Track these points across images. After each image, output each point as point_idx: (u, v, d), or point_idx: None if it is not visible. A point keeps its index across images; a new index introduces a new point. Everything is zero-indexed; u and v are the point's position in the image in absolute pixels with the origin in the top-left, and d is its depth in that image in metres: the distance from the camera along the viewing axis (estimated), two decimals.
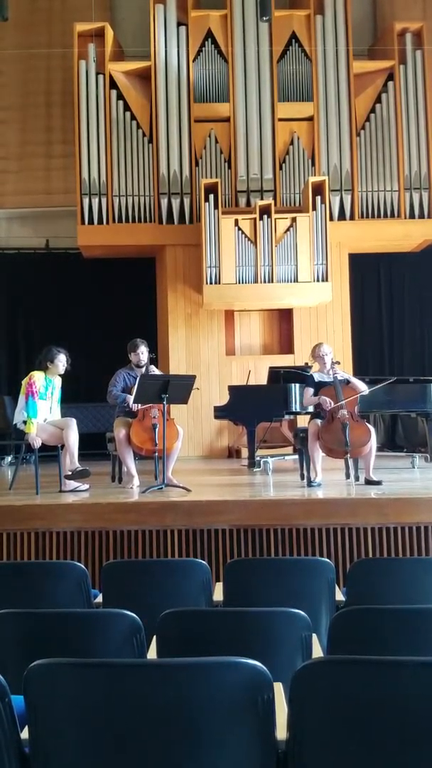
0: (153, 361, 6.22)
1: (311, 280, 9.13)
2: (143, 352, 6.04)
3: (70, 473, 5.66)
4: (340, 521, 4.76)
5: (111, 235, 9.52)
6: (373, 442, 5.63)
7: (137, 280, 10.26)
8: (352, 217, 9.67)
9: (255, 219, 9.16)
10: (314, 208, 9.16)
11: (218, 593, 3.17)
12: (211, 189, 9.20)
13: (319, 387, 5.88)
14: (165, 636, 2.43)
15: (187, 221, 9.56)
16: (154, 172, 9.63)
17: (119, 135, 9.70)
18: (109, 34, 9.78)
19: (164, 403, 5.60)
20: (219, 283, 9.10)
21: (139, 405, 5.81)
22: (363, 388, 5.88)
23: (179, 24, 9.76)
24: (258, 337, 9.95)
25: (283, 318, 9.91)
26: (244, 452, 8.22)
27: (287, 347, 9.81)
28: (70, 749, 1.76)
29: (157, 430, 5.64)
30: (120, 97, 9.77)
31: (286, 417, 7.87)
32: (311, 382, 5.97)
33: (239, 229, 9.16)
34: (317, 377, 5.97)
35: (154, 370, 6.14)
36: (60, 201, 10.13)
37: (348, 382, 5.88)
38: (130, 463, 5.89)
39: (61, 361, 5.81)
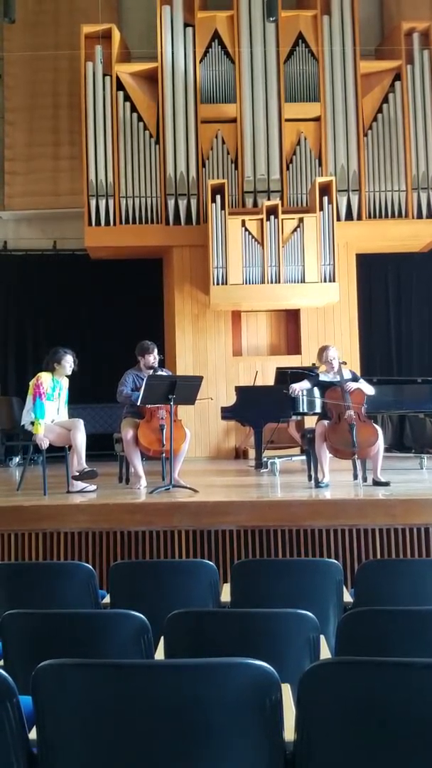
0: (161, 362, 6.22)
1: (318, 280, 9.12)
2: (154, 356, 6.04)
3: (77, 474, 5.67)
4: (347, 522, 4.75)
5: (118, 236, 9.54)
6: (381, 443, 5.62)
7: (144, 281, 10.27)
8: (359, 218, 9.65)
9: (262, 219, 9.16)
10: (321, 209, 9.15)
11: (226, 594, 3.16)
12: (218, 190, 9.21)
13: (324, 386, 5.88)
14: (172, 637, 2.42)
15: (194, 222, 9.57)
16: (161, 173, 9.64)
17: (126, 136, 9.72)
18: (116, 35, 9.80)
19: (171, 403, 5.60)
20: (226, 284, 9.11)
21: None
22: (370, 391, 5.86)
23: (186, 25, 9.77)
24: (265, 338, 9.94)
25: (291, 319, 9.90)
26: (251, 453, 8.21)
27: (294, 348, 9.80)
28: (78, 750, 1.76)
29: (164, 431, 5.65)
30: (127, 98, 9.79)
31: (294, 418, 7.86)
32: (313, 378, 6.00)
33: (246, 229, 9.16)
34: (323, 377, 5.96)
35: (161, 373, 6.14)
36: (67, 202, 10.16)
37: (356, 380, 5.88)
38: (138, 464, 5.89)
39: (68, 362, 5.82)
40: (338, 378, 5.84)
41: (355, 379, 5.92)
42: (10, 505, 5.08)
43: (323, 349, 6.00)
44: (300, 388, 6.03)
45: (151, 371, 5.98)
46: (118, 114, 9.71)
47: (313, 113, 9.78)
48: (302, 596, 2.88)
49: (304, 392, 6.24)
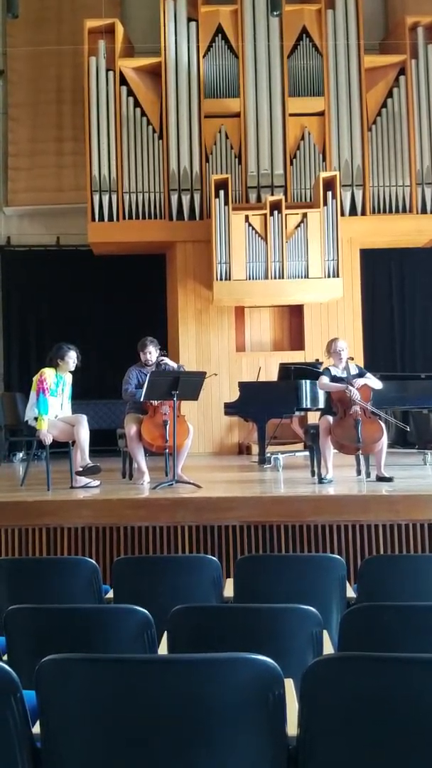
0: (165, 356, 6.22)
1: (322, 276, 9.10)
2: (151, 353, 6.04)
3: (80, 469, 5.68)
4: (351, 518, 4.75)
5: (121, 231, 9.53)
6: (385, 439, 5.62)
7: (147, 276, 10.26)
8: (363, 213, 9.62)
9: (265, 215, 9.14)
10: (325, 204, 9.12)
11: (229, 589, 3.17)
12: (222, 185, 9.19)
13: (333, 381, 5.85)
14: (175, 632, 2.43)
15: (197, 217, 9.55)
16: (165, 168, 9.62)
17: (129, 132, 9.70)
18: (120, 30, 9.77)
19: (174, 399, 5.60)
20: (229, 280, 9.09)
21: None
22: (378, 386, 5.83)
23: (189, 20, 9.74)
24: (268, 334, 9.93)
25: (294, 314, 9.88)
26: (255, 449, 8.21)
27: (298, 343, 9.79)
28: (82, 744, 1.77)
29: (167, 426, 5.65)
30: (130, 93, 9.77)
31: (297, 413, 7.85)
32: (327, 373, 5.90)
33: (250, 225, 9.14)
34: (333, 371, 5.92)
35: (169, 363, 6.12)
36: (71, 198, 10.15)
37: (362, 375, 5.85)
38: (141, 460, 5.90)
39: (72, 358, 5.83)
40: (345, 374, 5.82)
41: (361, 374, 5.89)
42: (13, 500, 5.10)
43: (332, 341, 5.98)
44: (350, 390, 5.63)
45: (152, 368, 5.97)
46: (121, 109, 9.69)
47: (317, 108, 9.75)
48: (305, 592, 2.88)
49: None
